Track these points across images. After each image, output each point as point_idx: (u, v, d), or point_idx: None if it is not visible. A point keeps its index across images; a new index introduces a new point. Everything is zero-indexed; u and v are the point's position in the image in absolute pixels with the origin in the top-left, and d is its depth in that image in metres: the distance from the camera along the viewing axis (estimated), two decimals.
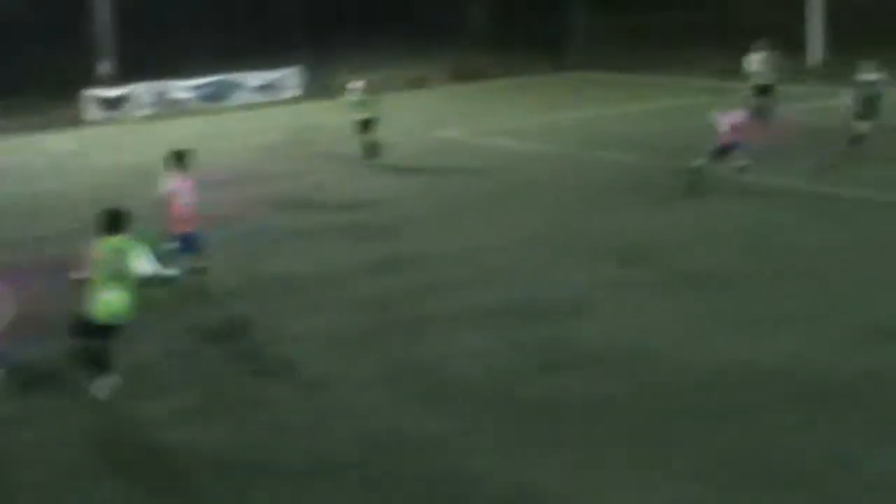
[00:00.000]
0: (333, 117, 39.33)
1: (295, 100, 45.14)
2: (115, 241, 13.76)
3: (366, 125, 29.22)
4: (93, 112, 42.25)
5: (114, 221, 13.90)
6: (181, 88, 44.04)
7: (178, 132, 36.79)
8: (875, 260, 18.58)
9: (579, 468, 11.70)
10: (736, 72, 38.47)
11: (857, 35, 41.44)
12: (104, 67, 45.56)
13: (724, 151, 23.61)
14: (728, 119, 23.67)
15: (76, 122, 41.48)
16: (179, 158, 18.75)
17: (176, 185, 18.53)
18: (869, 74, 25.72)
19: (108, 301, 13.62)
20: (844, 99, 26.37)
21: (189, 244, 18.25)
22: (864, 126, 25.35)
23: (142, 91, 43.34)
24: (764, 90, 30.23)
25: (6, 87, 43.58)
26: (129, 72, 44.61)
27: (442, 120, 36.63)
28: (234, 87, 45.11)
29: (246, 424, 13.19)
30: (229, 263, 19.79)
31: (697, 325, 15.87)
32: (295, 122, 38.91)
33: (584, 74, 45.11)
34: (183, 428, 13.17)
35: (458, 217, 23.15)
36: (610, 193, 24.29)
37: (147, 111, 42.95)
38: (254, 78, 45.67)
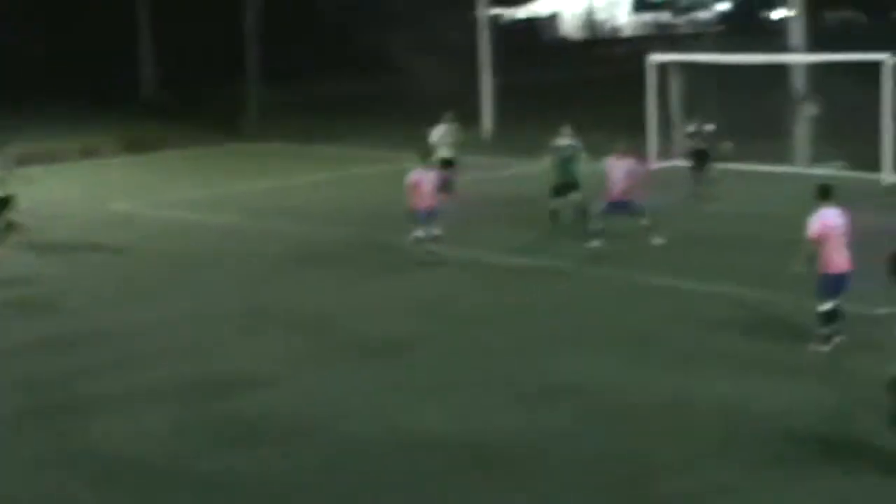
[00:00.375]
0: None
1: None
2: None
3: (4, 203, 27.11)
4: None
5: None
6: None
7: None
8: (542, 324, 19.12)
9: None
10: (412, 142, 39.28)
11: (519, 110, 43.09)
12: None
13: (430, 216, 23.53)
14: (425, 183, 23.61)
15: None
16: None
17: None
18: (564, 139, 26.68)
19: None
20: (543, 162, 27.15)
21: None
22: (557, 202, 26.15)
23: None
24: (447, 163, 30.76)
25: None
26: None
27: (115, 191, 35.69)
28: None
29: None
30: None
31: (378, 395, 16.02)
32: None
33: (262, 145, 45.01)
34: None
35: (132, 291, 22.55)
36: (283, 264, 24.26)
37: None
38: None
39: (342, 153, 41.52)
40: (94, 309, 21.29)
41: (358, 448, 14.09)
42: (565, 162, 26.44)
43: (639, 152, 25.98)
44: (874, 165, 30.22)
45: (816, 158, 32.97)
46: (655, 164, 32.80)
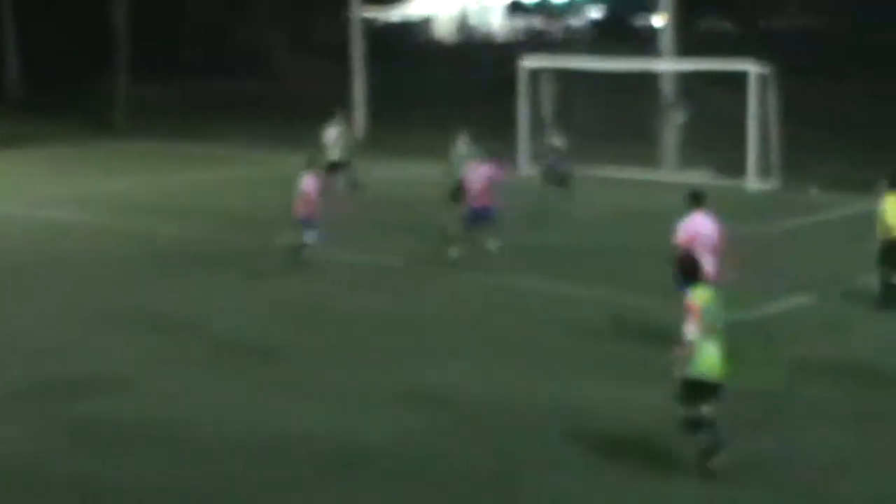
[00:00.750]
0: None
1: None
2: None
3: None
4: None
5: None
6: None
7: None
8: (413, 328, 19.13)
9: None
10: (289, 142, 39.01)
11: (392, 112, 43.15)
12: None
13: (308, 225, 23.06)
14: (311, 189, 23.18)
15: None
16: None
17: None
18: (462, 146, 26.40)
19: None
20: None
21: None
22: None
23: None
24: (336, 165, 30.55)
25: None
26: None
27: None
28: None
29: None
30: None
31: (241, 398, 15.84)
32: None
33: (133, 143, 44.29)
34: None
35: None
36: (151, 265, 23.84)
37: None
38: None
39: (216, 152, 41.08)
40: None
41: (214, 451, 13.94)
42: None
43: (498, 158, 25.93)
44: (740, 172, 30.80)
45: (684, 164, 33.54)
46: (524, 170, 33.02)
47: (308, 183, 23.27)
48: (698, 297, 12.94)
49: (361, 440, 14.24)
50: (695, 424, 13.01)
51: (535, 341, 18.23)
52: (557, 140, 28.38)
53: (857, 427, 14.59)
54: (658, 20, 35.79)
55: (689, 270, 13.26)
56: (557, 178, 27.88)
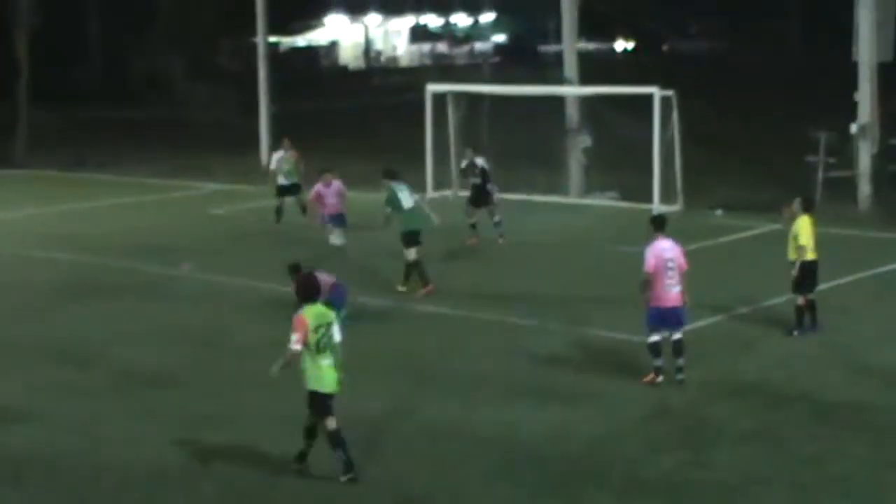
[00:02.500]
0: None
1: None
2: None
3: None
4: None
5: None
6: None
7: None
8: None
9: None
10: (191, 168, 38.55)
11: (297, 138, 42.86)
12: None
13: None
14: None
15: None
16: None
17: None
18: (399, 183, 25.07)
19: None
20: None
21: None
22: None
23: None
24: (286, 190, 30.08)
25: None
26: None
27: None
28: None
29: None
30: None
31: (143, 425, 15.62)
32: None
33: (31, 171, 43.45)
34: None
35: None
36: (50, 294, 23.39)
37: None
38: None
39: (116, 180, 40.50)
40: None
41: (117, 480, 13.77)
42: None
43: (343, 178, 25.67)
44: (646, 196, 30.91)
45: (590, 189, 33.61)
46: (432, 193, 32.88)
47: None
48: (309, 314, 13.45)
49: (261, 467, 14.09)
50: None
51: (447, 365, 18.10)
52: (480, 160, 28.04)
53: (762, 445, 14.63)
54: (562, 45, 35.75)
55: (308, 290, 13.73)
56: (482, 200, 27.63)
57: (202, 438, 15.08)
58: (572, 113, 34.39)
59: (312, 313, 13.39)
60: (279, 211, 30.14)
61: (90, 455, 14.53)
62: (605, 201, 32.20)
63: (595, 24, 63.18)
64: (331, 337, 13.37)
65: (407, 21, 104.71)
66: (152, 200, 35.42)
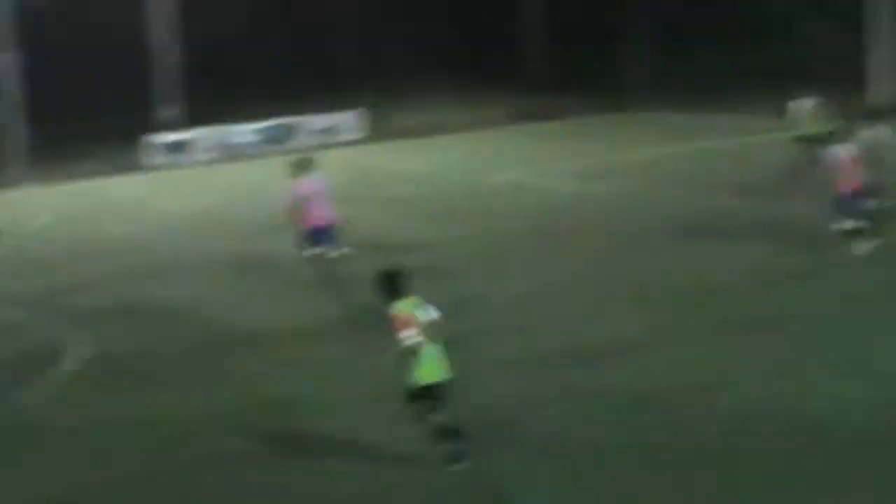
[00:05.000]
0: (394, 159, 39.55)
1: (356, 142, 45.35)
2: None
3: None
4: (156, 157, 42.65)
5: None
6: (243, 132, 44.37)
7: (240, 176, 37.12)
8: None
9: None
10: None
11: None
12: (167, 112, 46.03)
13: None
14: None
15: (139, 167, 41.91)
16: (304, 164, 21.14)
17: (306, 188, 20.72)
18: None
19: None
20: None
21: (327, 236, 20.45)
22: None
23: (204, 136, 43.69)
24: (814, 139, 29.27)
25: (73, 132, 44.21)
26: (191, 116, 45.04)
27: (503, 161, 36.57)
28: (296, 130, 45.38)
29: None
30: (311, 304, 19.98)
31: (741, 370, 15.69)
32: (356, 165, 39.04)
33: (646, 115, 44.84)
34: None
35: (514, 260, 23.02)
36: (670, 235, 24.04)
37: (209, 156, 43.27)
38: (315, 121, 45.93)
39: (725, 123, 40.81)
40: (476, 275, 21.90)
41: (719, 417, 13.95)
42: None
43: None
44: None
45: None
46: None
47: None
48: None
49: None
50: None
51: None
52: None
53: None
54: None
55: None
56: None
57: (802, 387, 15.05)
58: None
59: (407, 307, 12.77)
60: None
61: (695, 394, 14.88)
62: None
63: None
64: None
65: None
66: (764, 142, 35.44)
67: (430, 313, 12.83)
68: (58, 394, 16.65)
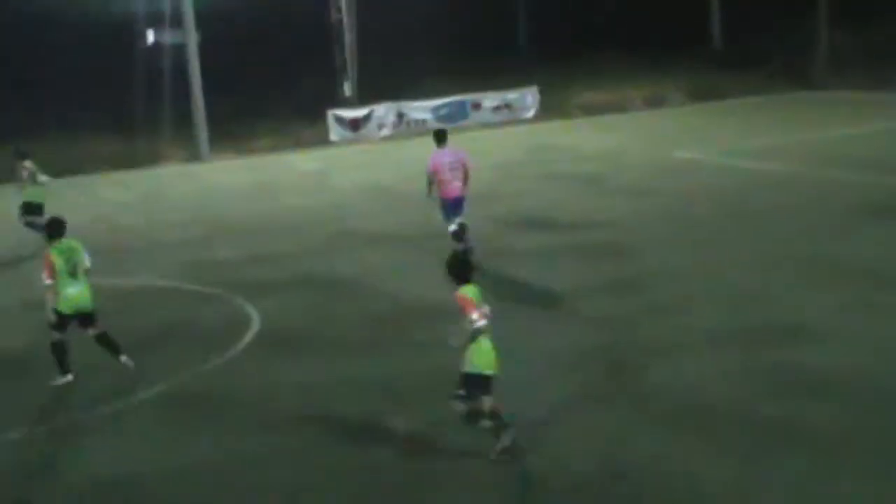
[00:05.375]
0: (569, 137, 39.56)
1: (531, 120, 45.41)
2: None
3: None
4: (336, 132, 43.37)
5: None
6: (420, 109, 44.83)
7: (417, 152, 37.45)
8: None
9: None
10: None
11: None
12: (347, 89, 46.76)
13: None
14: None
15: (321, 142, 42.69)
16: (439, 136, 22.21)
17: (443, 158, 21.69)
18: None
19: None
20: None
21: (460, 207, 21.29)
22: None
23: (382, 112, 44.27)
24: None
25: (259, 108, 45.26)
26: (370, 93, 45.69)
27: (679, 139, 36.25)
28: (472, 107, 45.66)
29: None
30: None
31: None
32: (531, 142, 39.13)
33: (829, 93, 43.91)
34: None
35: (693, 238, 22.78)
36: (853, 216, 23.50)
37: (387, 132, 43.84)
38: (490, 98, 46.16)
39: None
40: (656, 252, 21.73)
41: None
42: None
43: None
44: None
45: None
46: None
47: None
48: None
49: None
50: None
51: None
52: None
53: None
54: None
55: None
56: None
57: None
58: None
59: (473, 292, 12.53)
60: None
61: (879, 378, 14.58)
62: None
63: None
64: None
65: None
66: None
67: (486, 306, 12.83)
68: (246, 362, 17.07)
